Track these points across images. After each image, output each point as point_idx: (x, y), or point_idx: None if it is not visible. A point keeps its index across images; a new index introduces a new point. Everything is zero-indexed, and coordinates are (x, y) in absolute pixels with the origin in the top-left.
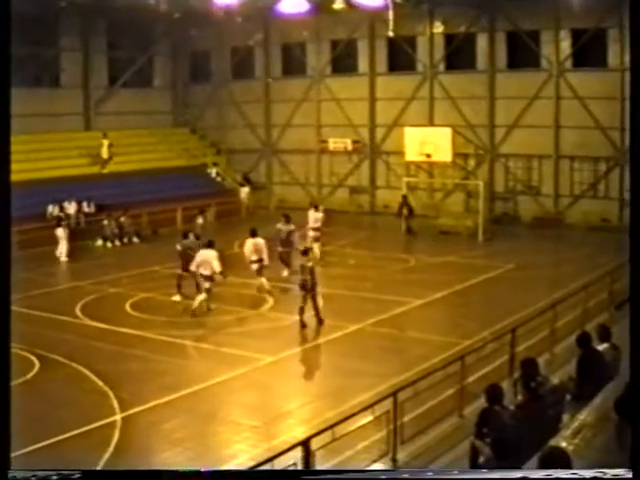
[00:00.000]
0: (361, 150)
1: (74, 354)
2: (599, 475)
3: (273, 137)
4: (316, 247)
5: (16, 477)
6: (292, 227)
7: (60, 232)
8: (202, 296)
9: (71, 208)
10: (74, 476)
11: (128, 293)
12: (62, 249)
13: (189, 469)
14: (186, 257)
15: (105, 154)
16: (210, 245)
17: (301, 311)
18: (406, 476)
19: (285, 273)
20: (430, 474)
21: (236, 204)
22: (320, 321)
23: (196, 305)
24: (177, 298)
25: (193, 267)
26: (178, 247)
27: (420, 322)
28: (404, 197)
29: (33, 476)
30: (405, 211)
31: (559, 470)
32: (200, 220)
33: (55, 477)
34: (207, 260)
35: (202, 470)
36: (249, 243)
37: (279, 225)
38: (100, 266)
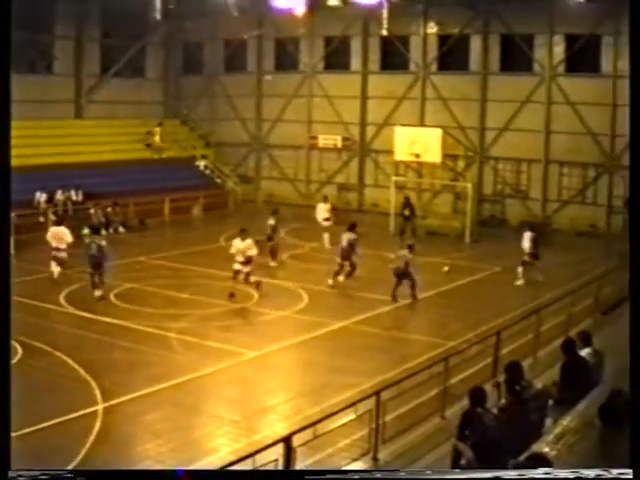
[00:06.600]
0: (351, 147)
1: (57, 342)
2: (601, 475)
3: (263, 131)
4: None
5: (16, 477)
6: (355, 236)
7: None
8: (57, 267)
9: (59, 196)
10: (75, 476)
11: (113, 283)
12: None
13: (188, 469)
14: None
15: (159, 142)
16: (61, 222)
17: (394, 292)
18: (403, 475)
19: (340, 278)
20: (429, 473)
21: (223, 197)
22: (414, 297)
23: (56, 275)
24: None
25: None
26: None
27: (405, 322)
28: (406, 198)
29: (33, 476)
30: (407, 212)
31: (561, 470)
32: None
33: (55, 477)
34: (60, 235)
35: (201, 470)
36: (53, 231)
37: (344, 235)
38: (85, 255)
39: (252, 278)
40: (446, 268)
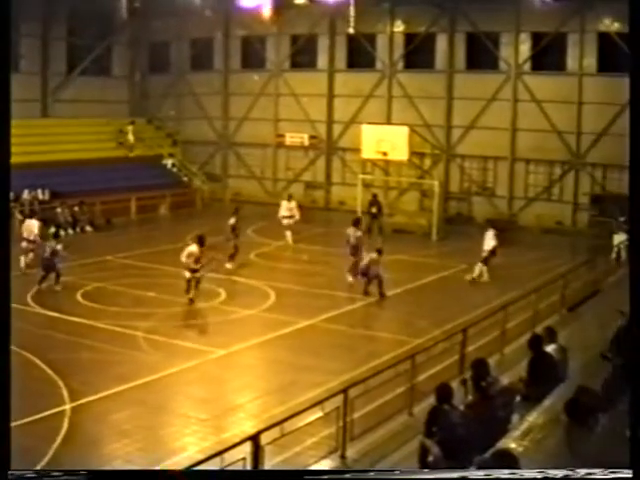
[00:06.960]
0: (317, 146)
1: (25, 342)
2: (569, 475)
3: (230, 130)
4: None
5: (16, 477)
6: (359, 233)
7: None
8: (27, 256)
9: (26, 195)
10: (75, 475)
11: (80, 282)
12: None
13: (188, 469)
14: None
15: (132, 140)
16: (32, 216)
17: (366, 288)
18: (372, 475)
19: (350, 279)
20: (397, 473)
21: (190, 196)
22: (382, 295)
23: (23, 264)
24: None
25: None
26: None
27: (372, 320)
28: (374, 196)
29: (33, 476)
30: (374, 210)
31: (528, 470)
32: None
33: (57, 476)
34: (30, 228)
35: (202, 470)
36: (26, 224)
37: (349, 230)
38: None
39: (191, 294)
40: (468, 277)
